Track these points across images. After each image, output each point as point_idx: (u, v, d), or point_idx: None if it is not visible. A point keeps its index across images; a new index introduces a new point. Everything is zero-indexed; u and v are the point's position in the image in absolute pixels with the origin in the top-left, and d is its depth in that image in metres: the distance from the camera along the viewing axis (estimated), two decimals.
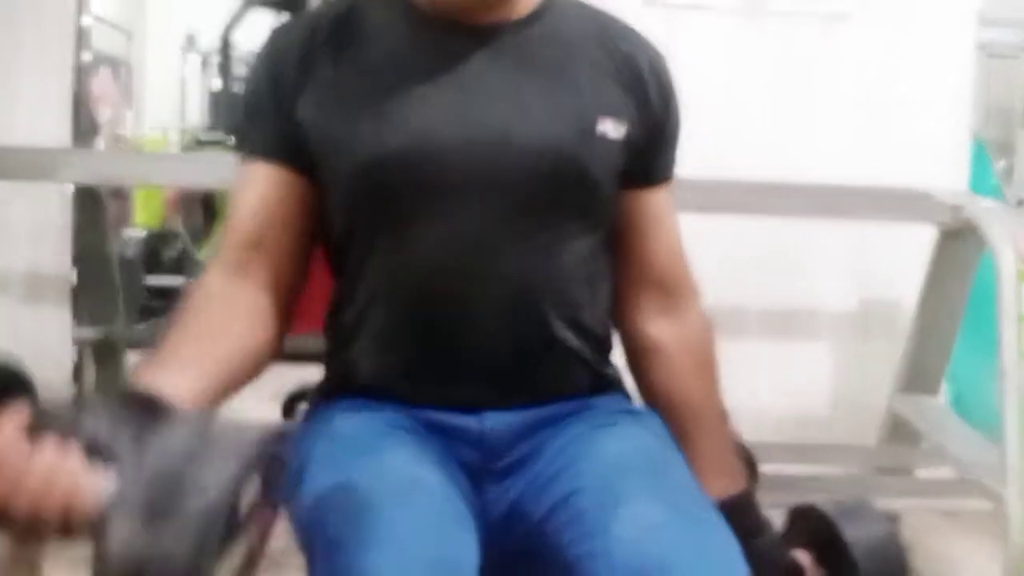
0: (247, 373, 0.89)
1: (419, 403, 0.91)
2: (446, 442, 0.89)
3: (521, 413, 0.91)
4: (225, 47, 3.82)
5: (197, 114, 5.98)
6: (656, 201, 0.99)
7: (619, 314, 1.01)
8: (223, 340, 0.87)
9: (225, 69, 4.02)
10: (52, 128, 2.07)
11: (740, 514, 0.90)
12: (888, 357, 2.14)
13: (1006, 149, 3.21)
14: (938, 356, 1.95)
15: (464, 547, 0.78)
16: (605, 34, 0.96)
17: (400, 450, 0.85)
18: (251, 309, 0.91)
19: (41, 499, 0.63)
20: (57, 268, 2.16)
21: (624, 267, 0.99)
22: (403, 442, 0.87)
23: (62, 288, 2.18)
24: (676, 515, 0.78)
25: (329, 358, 0.98)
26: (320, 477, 0.83)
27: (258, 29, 4.03)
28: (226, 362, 0.86)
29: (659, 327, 0.99)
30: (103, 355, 2.49)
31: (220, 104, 4.81)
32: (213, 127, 5.33)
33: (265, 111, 0.92)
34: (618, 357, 1.02)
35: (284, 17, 3.81)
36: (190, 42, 5.82)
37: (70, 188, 2.14)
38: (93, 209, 2.32)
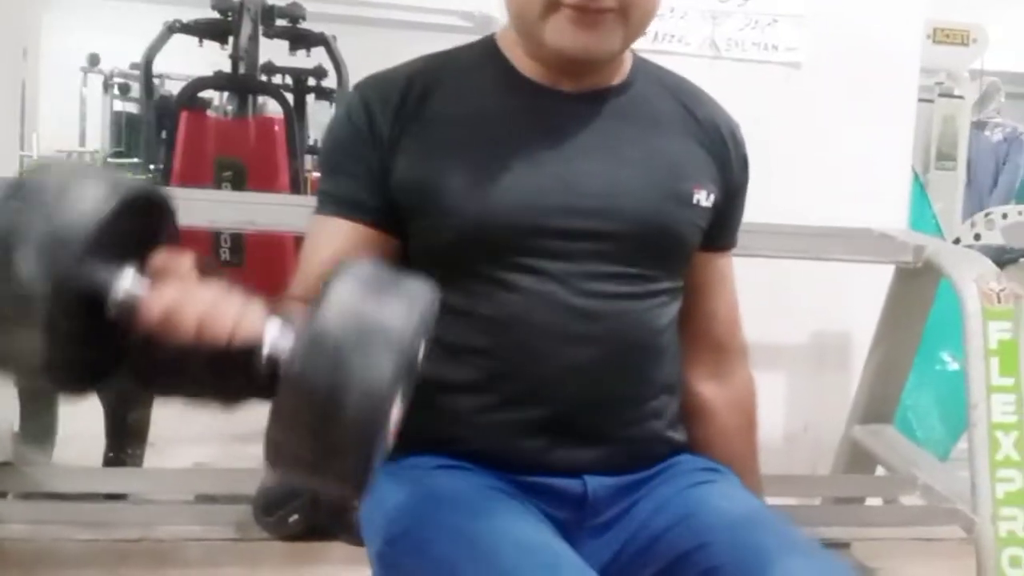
0: None
1: (518, 469, 0.89)
2: (544, 501, 0.89)
3: (620, 476, 0.91)
4: (147, 72, 3.66)
5: (99, 136, 5.73)
6: (722, 264, 1.02)
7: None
8: None
9: (147, 94, 3.85)
10: None
11: None
12: (840, 388, 2.24)
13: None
14: (894, 386, 2.05)
15: None
16: (685, 100, 0.98)
17: (524, 517, 0.84)
18: None
19: (211, 318, 0.64)
20: None
21: (685, 326, 1.00)
22: (515, 507, 0.86)
23: None
24: (820, 567, 0.81)
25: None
26: (440, 540, 0.80)
27: (174, 54, 3.90)
28: None
29: (710, 388, 1.02)
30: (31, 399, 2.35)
31: (133, 128, 4.61)
32: (119, 151, 5.12)
33: (354, 169, 0.90)
34: None
35: (208, 45, 3.69)
36: (92, 62, 5.57)
37: None
38: None
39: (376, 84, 0.94)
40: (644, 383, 0.93)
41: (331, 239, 0.90)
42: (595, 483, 0.90)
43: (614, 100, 0.94)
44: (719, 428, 1.02)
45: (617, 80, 0.96)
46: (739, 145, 1.00)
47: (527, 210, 0.88)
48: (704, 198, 0.94)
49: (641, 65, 0.99)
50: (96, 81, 5.68)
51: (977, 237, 3.12)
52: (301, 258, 0.93)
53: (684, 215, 0.93)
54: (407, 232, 0.91)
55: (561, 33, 0.86)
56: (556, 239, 0.88)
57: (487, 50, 0.96)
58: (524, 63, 0.93)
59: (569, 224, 0.88)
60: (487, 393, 0.89)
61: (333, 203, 0.91)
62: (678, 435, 0.98)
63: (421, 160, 0.89)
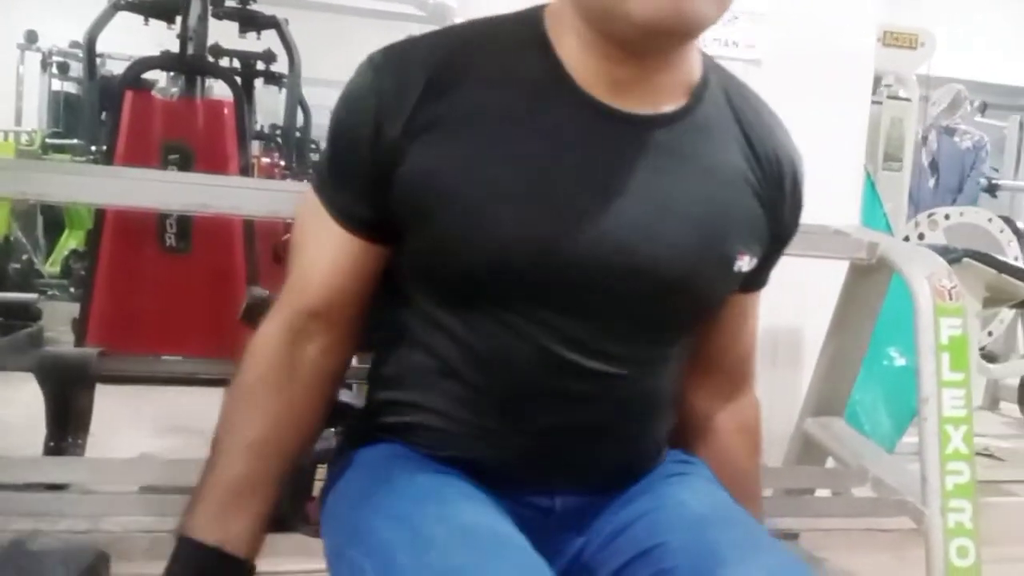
0: (302, 454, 0.90)
1: (486, 482, 0.86)
2: (508, 503, 0.86)
3: (593, 496, 0.90)
4: (90, 50, 3.55)
5: (35, 116, 5.54)
6: (750, 303, 0.97)
7: (682, 390, 0.99)
8: (282, 432, 0.87)
9: (90, 74, 3.73)
10: None
11: None
12: (792, 382, 2.27)
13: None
14: (846, 380, 2.08)
15: None
16: (749, 127, 0.89)
17: (473, 501, 0.82)
18: (308, 384, 0.87)
19: None
20: None
21: (700, 355, 0.96)
22: (467, 491, 0.84)
23: None
24: (774, 569, 0.79)
25: (376, 406, 0.92)
26: (382, 527, 0.78)
27: (117, 33, 3.78)
28: (282, 459, 0.87)
29: (718, 412, 1.00)
30: None
31: (71, 108, 4.46)
32: (57, 131, 4.96)
33: (350, 172, 0.81)
34: None
35: (154, 24, 3.59)
36: (30, 39, 5.38)
37: None
38: None
39: (395, 67, 0.80)
40: (642, 440, 0.91)
41: (323, 242, 0.84)
42: (566, 500, 0.89)
43: (673, 127, 0.83)
44: (724, 451, 1.00)
45: (681, 101, 0.84)
46: (797, 187, 0.92)
47: (547, 256, 0.78)
48: (746, 263, 0.86)
49: (711, 73, 0.88)
50: (34, 59, 5.49)
51: (921, 237, 3.20)
52: (295, 244, 0.86)
53: (722, 281, 0.87)
54: (403, 240, 0.83)
55: None
56: (574, 292, 0.80)
57: (532, 34, 0.82)
58: (575, 58, 0.80)
59: (593, 280, 0.80)
60: (465, 424, 0.85)
61: (327, 197, 0.84)
62: (663, 456, 0.96)
63: (432, 170, 0.78)
